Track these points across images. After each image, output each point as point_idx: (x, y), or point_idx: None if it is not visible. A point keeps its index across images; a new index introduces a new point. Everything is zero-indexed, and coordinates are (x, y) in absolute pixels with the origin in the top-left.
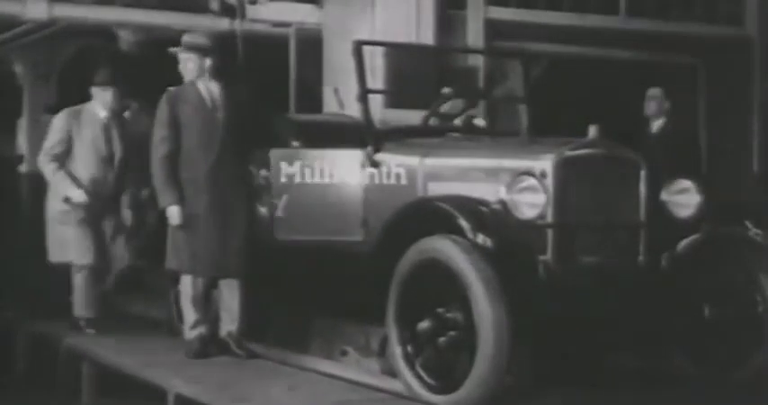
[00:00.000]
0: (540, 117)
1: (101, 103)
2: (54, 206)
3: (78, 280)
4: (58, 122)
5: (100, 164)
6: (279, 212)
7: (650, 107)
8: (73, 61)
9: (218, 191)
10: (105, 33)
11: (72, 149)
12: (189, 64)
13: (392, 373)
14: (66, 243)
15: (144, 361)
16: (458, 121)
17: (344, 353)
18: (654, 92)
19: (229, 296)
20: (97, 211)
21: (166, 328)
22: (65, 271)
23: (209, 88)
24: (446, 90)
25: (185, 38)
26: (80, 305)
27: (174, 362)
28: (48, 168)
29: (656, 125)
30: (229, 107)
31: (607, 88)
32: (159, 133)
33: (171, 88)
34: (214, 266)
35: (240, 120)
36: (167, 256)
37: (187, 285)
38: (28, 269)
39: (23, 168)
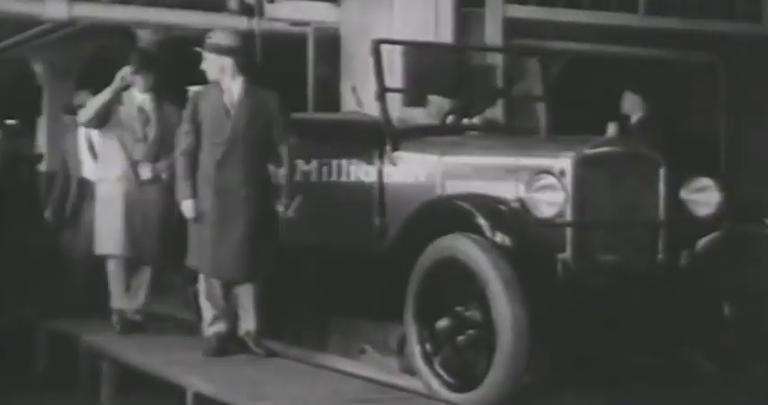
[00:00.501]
0: (558, 115)
1: (137, 87)
2: (100, 193)
3: (110, 269)
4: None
5: (135, 145)
6: (294, 211)
7: (625, 106)
8: (92, 60)
9: (224, 189)
10: (124, 33)
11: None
12: (209, 63)
13: (411, 371)
14: (107, 235)
15: (163, 359)
16: (476, 120)
17: (363, 351)
18: (629, 96)
19: (244, 295)
20: (133, 197)
21: (185, 326)
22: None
23: (231, 88)
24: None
25: (208, 37)
26: (115, 296)
27: (192, 360)
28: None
29: (635, 118)
30: (247, 106)
31: (626, 86)
32: (181, 129)
33: (197, 87)
34: (218, 269)
35: (260, 119)
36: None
37: (203, 282)
38: (47, 267)
39: (43, 167)
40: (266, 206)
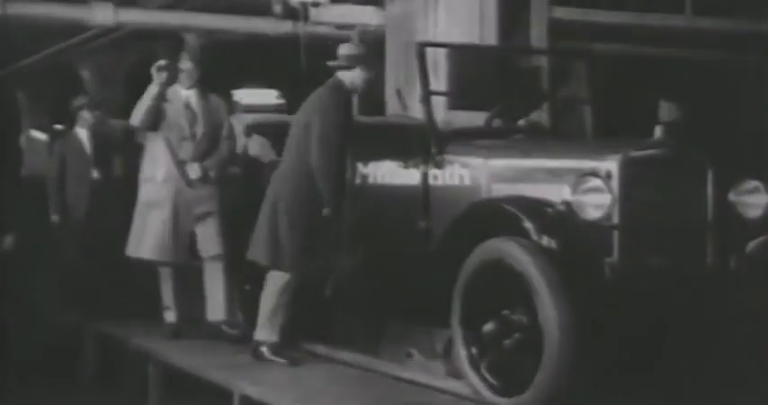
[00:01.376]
0: (604, 117)
1: (182, 84)
2: (144, 195)
3: (161, 277)
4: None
5: (182, 144)
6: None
7: (662, 115)
8: (139, 65)
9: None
10: (170, 37)
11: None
12: (356, 76)
13: (457, 375)
14: (147, 238)
15: (209, 362)
16: (521, 123)
17: (409, 355)
18: (664, 104)
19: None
20: (182, 198)
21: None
22: (135, 270)
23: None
24: None
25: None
26: (166, 306)
27: (239, 363)
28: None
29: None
30: None
31: (672, 88)
32: (334, 120)
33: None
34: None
35: None
36: (281, 257)
37: (283, 287)
38: (95, 270)
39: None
40: None
